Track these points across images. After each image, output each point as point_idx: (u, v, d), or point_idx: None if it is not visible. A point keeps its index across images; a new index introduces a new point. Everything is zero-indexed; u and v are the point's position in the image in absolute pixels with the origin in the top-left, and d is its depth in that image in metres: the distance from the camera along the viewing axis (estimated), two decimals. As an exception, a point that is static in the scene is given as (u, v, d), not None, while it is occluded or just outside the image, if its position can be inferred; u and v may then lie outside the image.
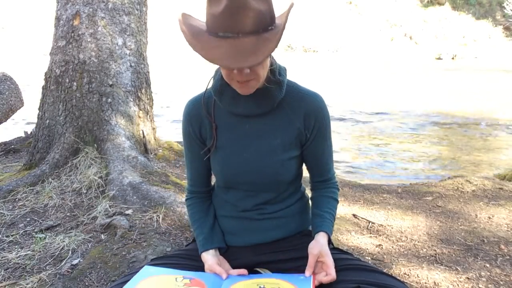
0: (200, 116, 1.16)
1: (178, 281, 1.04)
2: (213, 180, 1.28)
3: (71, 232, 2.09)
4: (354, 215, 2.44)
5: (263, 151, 1.12)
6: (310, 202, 1.28)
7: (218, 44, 0.91)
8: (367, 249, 2.03)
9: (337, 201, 1.25)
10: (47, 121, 2.84)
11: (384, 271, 1.41)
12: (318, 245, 1.09)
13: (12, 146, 3.72)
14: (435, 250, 2.02)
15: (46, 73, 2.93)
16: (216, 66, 1.14)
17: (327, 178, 1.24)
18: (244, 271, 1.10)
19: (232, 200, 1.20)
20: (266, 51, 0.89)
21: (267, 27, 0.93)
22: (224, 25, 0.90)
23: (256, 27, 0.91)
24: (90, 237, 2.05)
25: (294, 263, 1.16)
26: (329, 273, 1.04)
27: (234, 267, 1.15)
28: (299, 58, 17.16)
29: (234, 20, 0.89)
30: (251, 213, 1.18)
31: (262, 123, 1.13)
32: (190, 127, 1.17)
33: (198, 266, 1.16)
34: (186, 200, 1.29)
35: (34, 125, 3.43)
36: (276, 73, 1.10)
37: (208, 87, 1.15)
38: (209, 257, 1.14)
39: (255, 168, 1.13)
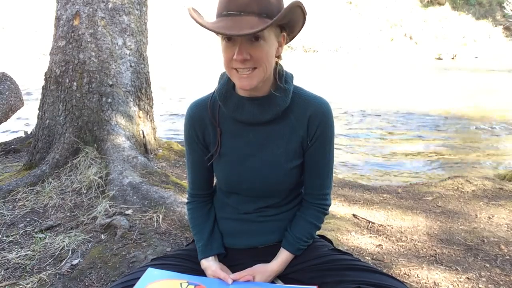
0: (204, 120, 1.14)
1: (183, 287, 1.04)
2: (215, 180, 1.28)
3: (71, 232, 2.09)
4: (354, 215, 2.44)
5: (266, 161, 1.12)
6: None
7: (220, 20, 0.94)
8: (367, 249, 2.02)
9: (318, 227, 1.19)
10: (47, 121, 2.84)
11: (384, 271, 1.41)
12: (265, 274, 1.12)
13: (12, 146, 3.72)
14: (435, 250, 2.02)
15: (46, 73, 2.93)
16: (222, 70, 1.13)
17: (317, 193, 1.17)
18: (249, 277, 1.10)
19: (234, 204, 1.19)
20: (263, 27, 0.90)
21: (271, 16, 0.94)
22: (229, 5, 0.93)
23: (259, 10, 0.93)
24: (90, 237, 2.05)
25: (292, 268, 1.16)
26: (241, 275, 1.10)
27: (234, 272, 1.15)
28: (299, 58, 17.15)
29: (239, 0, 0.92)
30: (252, 215, 1.18)
31: (266, 132, 1.11)
32: (193, 131, 1.16)
33: (198, 268, 1.16)
34: (187, 203, 1.28)
35: (33, 125, 3.43)
36: (283, 81, 1.09)
37: (213, 92, 1.14)
38: (211, 263, 1.14)
39: (258, 176, 1.12)
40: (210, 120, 1.14)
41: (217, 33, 0.94)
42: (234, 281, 1.09)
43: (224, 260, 1.20)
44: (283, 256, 1.15)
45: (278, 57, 1.08)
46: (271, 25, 0.92)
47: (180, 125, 6.22)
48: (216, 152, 1.14)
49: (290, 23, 1.01)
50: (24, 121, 5.99)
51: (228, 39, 0.97)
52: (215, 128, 1.14)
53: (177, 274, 1.09)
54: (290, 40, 1.10)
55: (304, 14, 0.98)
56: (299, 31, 1.07)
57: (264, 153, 1.12)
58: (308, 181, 1.18)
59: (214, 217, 1.24)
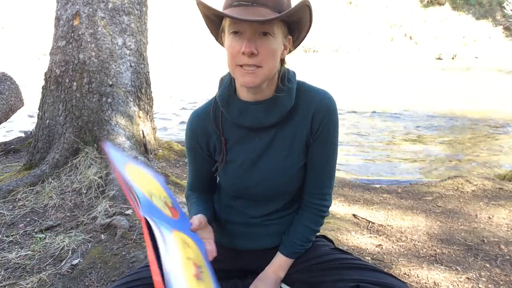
0: (207, 129, 1.11)
1: (162, 197, 0.97)
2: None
3: (71, 232, 2.09)
4: (354, 215, 2.44)
5: (273, 164, 1.10)
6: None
7: (230, 10, 0.93)
8: (367, 249, 2.03)
9: (315, 231, 1.16)
10: (47, 121, 2.84)
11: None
12: (265, 281, 1.11)
13: (12, 146, 3.72)
14: (435, 250, 2.02)
15: (46, 73, 2.93)
16: (222, 71, 1.12)
17: (316, 193, 1.14)
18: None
19: (239, 208, 1.18)
20: (276, 15, 0.91)
21: (282, 10, 0.94)
22: None
23: (273, 3, 0.93)
24: (90, 237, 2.05)
25: (294, 267, 1.15)
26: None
27: (236, 268, 1.14)
28: (299, 58, 17.16)
29: None
30: (258, 219, 1.17)
31: (271, 136, 1.09)
32: (196, 143, 1.13)
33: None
34: (186, 197, 1.26)
35: (33, 125, 3.43)
36: (285, 80, 1.07)
37: (214, 99, 1.11)
38: (198, 216, 1.05)
39: (265, 181, 1.10)
40: (213, 129, 1.11)
41: (231, 17, 0.91)
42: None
43: (231, 261, 1.18)
44: (276, 260, 1.14)
45: (283, 60, 1.06)
46: (282, 18, 0.92)
47: (178, 124, 6.22)
48: (222, 161, 1.12)
49: (299, 24, 1.00)
50: (22, 120, 5.99)
51: (236, 32, 0.94)
52: (220, 136, 1.11)
53: (157, 175, 1.03)
54: (294, 49, 1.08)
55: (311, 17, 0.97)
56: (304, 37, 1.05)
57: (270, 158, 1.10)
58: (308, 179, 1.15)
59: (213, 209, 1.22)
